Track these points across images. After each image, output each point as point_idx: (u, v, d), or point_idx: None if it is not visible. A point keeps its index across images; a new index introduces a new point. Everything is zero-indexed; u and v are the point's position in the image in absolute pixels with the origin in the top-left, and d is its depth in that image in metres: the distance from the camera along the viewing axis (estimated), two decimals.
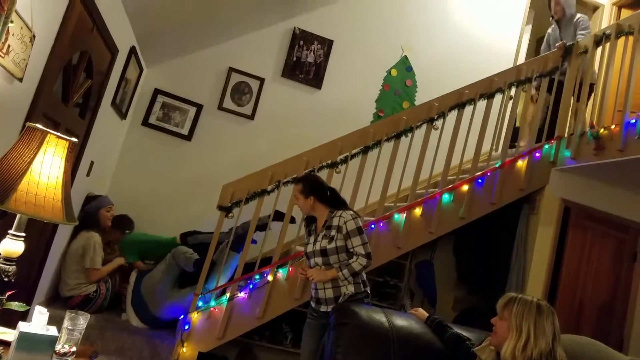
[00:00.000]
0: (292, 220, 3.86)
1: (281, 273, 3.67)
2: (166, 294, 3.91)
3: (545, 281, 3.94)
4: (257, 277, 3.66)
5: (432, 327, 2.60)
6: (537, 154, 4.06)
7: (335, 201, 3.14)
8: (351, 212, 3.04)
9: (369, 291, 3.07)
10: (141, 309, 3.90)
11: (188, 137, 4.98)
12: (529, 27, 5.96)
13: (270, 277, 3.61)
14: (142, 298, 3.91)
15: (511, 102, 4.22)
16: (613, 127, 3.62)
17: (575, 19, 4.55)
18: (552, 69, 4.20)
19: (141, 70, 4.70)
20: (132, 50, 4.18)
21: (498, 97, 4.15)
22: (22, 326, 1.63)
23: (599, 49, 4.07)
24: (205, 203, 4.46)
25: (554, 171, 4.04)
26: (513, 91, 4.21)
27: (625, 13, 5.50)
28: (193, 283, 3.87)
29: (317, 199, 3.11)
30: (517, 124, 4.84)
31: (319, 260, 3.00)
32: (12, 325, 1.87)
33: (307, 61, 5.28)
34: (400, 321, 2.60)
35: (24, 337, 1.60)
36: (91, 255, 3.82)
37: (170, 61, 5.00)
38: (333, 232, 2.99)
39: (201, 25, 4.63)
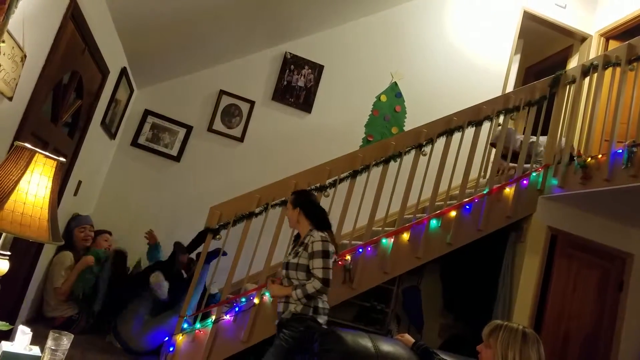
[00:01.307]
0: (224, 253, 3.87)
1: (267, 296, 3.64)
2: (142, 327, 3.85)
3: (531, 309, 3.94)
4: (244, 299, 3.63)
5: (418, 353, 2.59)
6: (525, 182, 4.10)
7: (320, 221, 3.14)
8: (322, 235, 3.02)
9: (322, 322, 2.97)
10: (123, 344, 3.82)
11: (177, 158, 4.98)
12: (518, 57, 6.07)
13: (256, 300, 3.59)
14: (121, 337, 3.83)
15: (499, 129, 4.27)
16: (600, 156, 3.67)
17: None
18: (540, 97, 4.27)
19: (132, 91, 4.72)
20: (123, 71, 4.20)
21: (486, 125, 4.20)
22: (5, 345, 1.61)
23: (587, 79, 4.15)
24: (192, 224, 4.43)
25: (541, 199, 4.07)
26: (501, 119, 4.26)
27: (613, 44, 5.62)
28: (168, 308, 3.86)
29: (303, 213, 3.15)
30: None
31: (283, 272, 3.06)
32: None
33: (297, 85, 5.33)
34: (386, 347, 2.59)
35: (6, 357, 1.58)
36: (52, 274, 3.78)
37: (161, 83, 5.02)
38: (301, 249, 3.01)
39: (193, 48, 4.67)
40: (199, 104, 5.11)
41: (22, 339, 1.67)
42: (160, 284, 3.91)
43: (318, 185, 3.86)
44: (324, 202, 3.79)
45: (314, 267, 2.93)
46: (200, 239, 4.00)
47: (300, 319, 2.91)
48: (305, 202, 3.21)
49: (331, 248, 3.01)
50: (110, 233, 4.29)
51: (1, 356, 1.58)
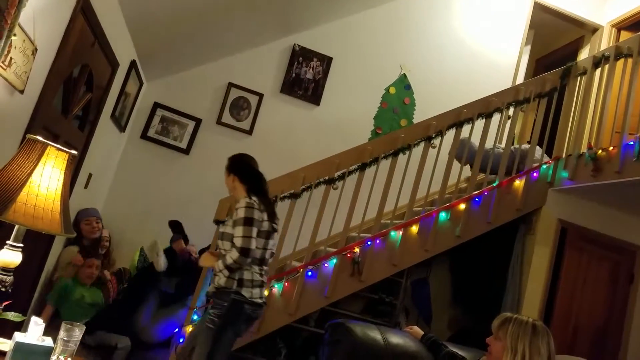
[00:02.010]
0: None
1: (277, 288, 3.66)
2: (151, 318, 3.88)
3: (541, 302, 3.94)
4: None
5: (427, 346, 2.60)
6: (535, 174, 4.08)
7: (253, 186, 2.97)
8: (249, 200, 2.83)
9: (249, 296, 2.78)
10: (132, 336, 3.82)
11: (186, 151, 5.00)
12: (528, 48, 6.02)
13: (265, 292, 3.60)
14: (131, 329, 3.84)
15: (509, 122, 4.25)
16: (611, 148, 3.64)
17: None
18: (551, 89, 4.23)
19: (141, 84, 4.73)
20: (133, 64, 4.21)
21: (496, 117, 4.18)
22: (18, 336, 1.63)
23: (598, 71, 4.11)
24: (201, 216, 4.45)
25: (551, 192, 4.05)
26: (511, 111, 4.24)
27: (625, 35, 5.56)
28: (177, 300, 3.89)
29: (237, 178, 3.01)
30: (515, 144, 4.86)
31: (218, 242, 2.95)
32: (6, 335, 1.86)
33: (306, 78, 5.32)
34: (395, 339, 2.60)
35: (19, 348, 1.59)
36: (57, 267, 3.79)
37: (170, 75, 5.03)
38: (229, 217, 2.91)
39: (202, 41, 4.67)
40: (208, 96, 5.12)
41: (35, 330, 1.69)
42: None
43: (327, 177, 3.86)
44: (333, 195, 3.81)
45: (235, 235, 2.76)
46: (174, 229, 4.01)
47: (223, 293, 2.76)
48: (239, 167, 3.05)
49: (257, 215, 2.80)
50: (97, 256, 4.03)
51: (14, 347, 1.60)
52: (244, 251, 2.70)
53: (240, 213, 2.77)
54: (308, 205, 3.85)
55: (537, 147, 4.21)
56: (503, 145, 4.22)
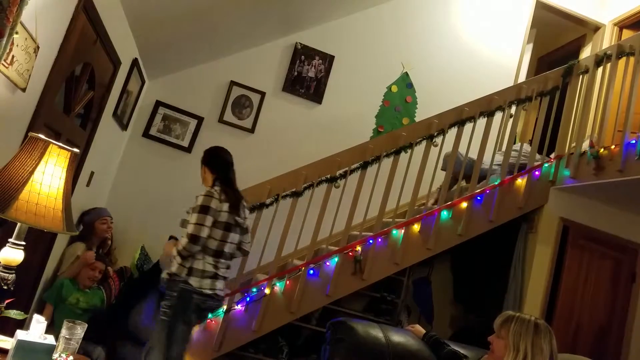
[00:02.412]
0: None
1: (278, 286, 3.67)
2: (152, 318, 3.86)
3: (543, 301, 3.93)
4: (254, 289, 3.66)
5: (429, 344, 2.60)
6: (537, 173, 4.07)
7: (222, 179, 3.04)
8: (209, 189, 2.89)
9: (198, 285, 2.80)
10: (132, 335, 3.79)
11: (188, 149, 4.99)
12: (530, 46, 6.01)
13: (267, 290, 3.61)
14: (130, 329, 3.81)
15: (511, 120, 4.24)
16: (613, 147, 3.63)
17: None
18: (553, 88, 4.23)
19: (143, 82, 4.73)
20: (135, 63, 4.21)
21: (498, 115, 4.17)
22: (20, 334, 1.63)
23: (600, 69, 4.11)
24: None
25: (553, 190, 4.05)
26: (513, 109, 4.23)
27: (627, 34, 5.55)
28: None
29: (208, 169, 3.09)
30: (517, 142, 4.85)
31: None
32: (8, 333, 1.87)
33: (308, 76, 5.32)
34: (397, 337, 2.60)
35: (21, 346, 1.60)
36: (62, 264, 3.77)
37: (172, 74, 5.03)
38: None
39: (203, 39, 4.67)
40: (210, 95, 5.12)
41: (37, 328, 1.69)
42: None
43: (329, 176, 3.86)
44: (335, 193, 3.80)
45: (189, 222, 2.80)
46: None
47: (173, 282, 2.80)
48: (210, 159, 3.13)
49: (214, 204, 2.84)
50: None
51: (16, 345, 1.60)
52: (193, 238, 2.74)
53: (198, 201, 2.85)
54: (310, 203, 3.85)
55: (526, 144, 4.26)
56: (504, 147, 4.22)
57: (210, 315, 3.57)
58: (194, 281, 2.80)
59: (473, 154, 4.09)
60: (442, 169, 4.16)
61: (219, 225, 2.88)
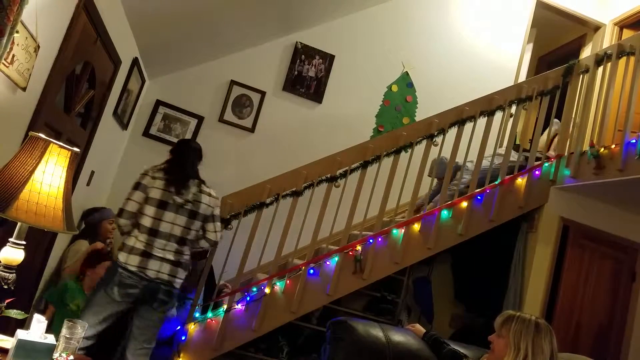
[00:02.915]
0: None
1: (278, 286, 3.67)
2: None
3: (543, 300, 3.93)
4: (255, 289, 3.66)
5: (429, 343, 2.60)
6: (537, 172, 4.07)
7: (172, 161, 3.13)
8: (148, 168, 3.04)
9: (124, 260, 2.86)
10: None
11: None
12: (530, 46, 6.01)
13: (267, 290, 3.61)
14: None
15: (511, 119, 4.24)
16: (613, 146, 3.63)
17: None
18: (553, 87, 4.22)
19: (143, 81, 4.73)
20: (135, 62, 4.21)
21: (498, 115, 4.17)
22: (20, 334, 1.63)
23: (600, 69, 4.11)
24: None
25: (553, 189, 4.05)
26: (513, 109, 4.23)
27: (627, 33, 5.55)
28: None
29: (171, 155, 3.18)
30: (517, 142, 4.86)
31: None
32: (8, 332, 1.87)
33: (308, 75, 5.32)
34: (397, 337, 2.60)
35: (22, 345, 1.60)
36: (65, 260, 3.74)
37: (173, 73, 5.03)
38: None
39: (204, 39, 4.67)
40: (210, 94, 5.12)
41: (37, 328, 1.69)
42: None
43: (329, 175, 3.86)
44: (335, 193, 3.80)
45: None
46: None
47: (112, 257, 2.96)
48: (175, 147, 3.24)
49: (145, 180, 2.96)
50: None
51: (17, 344, 1.60)
52: (119, 211, 2.92)
53: (136, 179, 3.00)
54: (310, 203, 3.85)
55: (513, 151, 4.21)
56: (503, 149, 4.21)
57: (210, 315, 3.57)
58: (121, 256, 2.88)
59: (472, 156, 4.08)
60: (428, 175, 4.16)
61: (151, 202, 2.94)
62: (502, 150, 4.21)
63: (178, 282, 2.99)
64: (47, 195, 1.70)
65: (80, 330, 1.74)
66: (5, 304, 1.68)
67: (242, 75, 5.17)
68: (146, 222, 2.92)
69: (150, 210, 2.93)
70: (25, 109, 2.49)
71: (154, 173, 2.99)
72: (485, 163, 4.14)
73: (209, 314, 3.60)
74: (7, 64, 2.09)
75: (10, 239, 1.71)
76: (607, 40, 5.72)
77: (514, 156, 4.21)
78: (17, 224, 1.73)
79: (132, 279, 2.86)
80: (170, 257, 2.95)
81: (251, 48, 5.21)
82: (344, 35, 5.42)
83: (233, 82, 5.13)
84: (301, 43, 5.30)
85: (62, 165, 1.76)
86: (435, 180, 4.30)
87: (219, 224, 3.22)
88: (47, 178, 1.71)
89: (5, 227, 2.19)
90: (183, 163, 3.12)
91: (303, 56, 5.31)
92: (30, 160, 1.70)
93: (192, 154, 3.22)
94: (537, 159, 4.15)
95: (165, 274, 2.92)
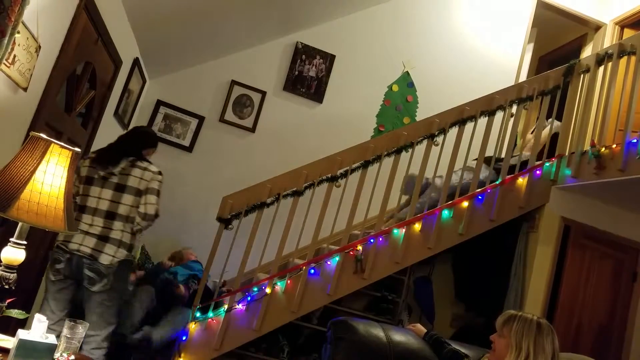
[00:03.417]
0: None
1: (279, 286, 3.67)
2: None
3: (544, 300, 3.93)
4: (255, 289, 3.66)
5: (430, 343, 2.60)
6: (538, 172, 4.07)
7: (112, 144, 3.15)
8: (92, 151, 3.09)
9: (57, 242, 2.89)
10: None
11: (189, 149, 5.00)
12: (531, 46, 6.01)
13: (268, 290, 3.61)
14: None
15: (512, 119, 4.24)
16: (614, 146, 3.63)
17: None
18: (554, 87, 4.22)
19: (144, 81, 4.73)
20: (136, 62, 4.21)
21: (499, 115, 4.17)
22: (22, 334, 1.63)
23: (601, 68, 4.10)
24: (205, 214, 4.47)
25: (554, 189, 4.04)
26: (514, 109, 4.23)
27: (628, 33, 5.54)
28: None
29: None
30: (518, 141, 4.85)
31: None
32: (9, 332, 1.87)
33: (308, 75, 5.32)
34: (398, 336, 2.60)
35: (23, 345, 1.60)
36: None
37: (173, 73, 5.03)
38: None
39: (204, 38, 4.67)
40: (211, 94, 5.12)
41: (39, 327, 1.69)
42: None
43: (329, 175, 3.86)
44: (336, 192, 3.80)
45: None
46: None
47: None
48: None
49: (79, 164, 2.99)
50: None
51: (18, 344, 1.60)
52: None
53: None
54: (311, 202, 3.85)
55: (484, 165, 4.14)
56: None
57: (211, 315, 3.57)
58: (60, 236, 2.93)
59: (474, 153, 4.08)
60: (402, 193, 4.12)
61: (80, 180, 2.97)
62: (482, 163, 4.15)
63: (105, 258, 2.84)
64: (48, 195, 1.70)
65: (82, 331, 1.74)
66: (6, 304, 1.68)
67: (242, 75, 5.18)
68: (78, 200, 2.95)
69: (80, 188, 2.96)
70: (26, 109, 2.50)
71: (82, 155, 3.05)
72: (455, 178, 4.09)
73: (210, 314, 3.60)
74: (8, 64, 2.09)
75: (11, 239, 1.71)
76: (607, 39, 5.72)
77: (484, 171, 4.12)
78: (18, 223, 1.73)
79: (57, 253, 2.84)
80: (95, 231, 2.86)
81: (252, 48, 5.21)
82: (344, 35, 5.42)
83: (234, 82, 5.14)
84: (302, 43, 5.30)
85: (63, 165, 1.76)
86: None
87: (151, 196, 3.02)
88: (48, 178, 1.71)
89: (6, 227, 2.19)
90: (115, 143, 3.13)
91: (304, 56, 5.31)
92: (31, 160, 1.70)
93: (133, 136, 3.26)
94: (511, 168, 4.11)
95: (89, 247, 2.82)
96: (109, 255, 2.85)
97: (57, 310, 2.85)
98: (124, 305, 3.16)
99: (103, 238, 2.87)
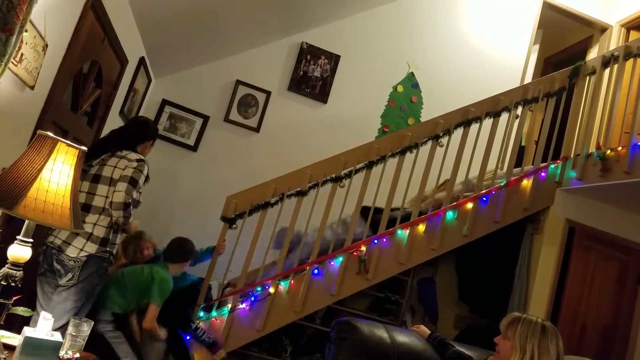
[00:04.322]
0: None
1: (283, 286, 3.67)
2: None
3: (548, 302, 3.92)
4: (259, 288, 3.67)
5: (434, 345, 2.60)
6: (543, 174, 4.06)
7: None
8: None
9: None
10: None
11: (194, 148, 5.01)
12: (537, 47, 5.99)
13: (271, 290, 3.61)
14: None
15: (517, 121, 4.23)
16: (620, 148, 3.62)
17: None
18: (559, 89, 4.21)
19: (150, 80, 4.74)
20: (142, 61, 4.22)
21: (504, 116, 4.16)
22: (27, 331, 1.64)
23: (607, 70, 4.09)
24: (209, 214, 4.47)
25: (559, 191, 4.03)
26: (519, 110, 4.22)
27: (634, 35, 5.53)
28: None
29: None
30: (523, 143, 4.84)
31: None
32: (15, 330, 1.88)
33: (313, 75, 5.32)
34: (401, 337, 2.60)
35: (29, 342, 1.61)
36: None
37: (179, 72, 5.04)
38: None
39: (210, 38, 4.68)
40: (216, 94, 5.13)
41: (44, 325, 1.70)
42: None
43: (334, 175, 3.86)
44: (340, 193, 3.80)
45: None
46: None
47: None
48: None
49: None
50: None
51: (24, 342, 1.61)
52: None
53: None
54: (315, 202, 3.85)
55: (361, 219, 3.97)
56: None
57: (215, 314, 3.58)
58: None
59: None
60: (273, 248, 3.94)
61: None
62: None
63: (72, 250, 2.64)
64: (55, 193, 1.71)
65: (86, 329, 1.75)
66: (12, 302, 1.69)
67: (247, 75, 5.18)
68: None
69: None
70: (33, 107, 2.50)
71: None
72: (329, 233, 3.96)
73: (214, 313, 3.61)
74: (15, 63, 2.10)
75: (17, 237, 1.72)
76: (613, 41, 5.70)
77: (361, 225, 3.96)
78: (24, 221, 1.74)
79: (40, 247, 2.70)
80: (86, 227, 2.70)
81: (257, 48, 5.21)
82: (349, 35, 5.42)
83: (239, 82, 5.14)
84: (307, 43, 5.31)
85: (69, 163, 1.77)
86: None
87: (121, 184, 2.75)
88: (55, 176, 1.71)
89: (12, 225, 2.20)
90: (108, 136, 3.02)
91: (308, 56, 5.31)
92: (38, 158, 1.70)
93: (123, 128, 3.12)
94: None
95: (60, 239, 2.67)
96: (76, 248, 2.66)
97: (45, 304, 2.69)
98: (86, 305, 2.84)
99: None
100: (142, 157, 2.89)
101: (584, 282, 4.06)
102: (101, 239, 2.71)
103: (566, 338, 3.53)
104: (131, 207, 2.79)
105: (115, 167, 2.80)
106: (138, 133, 3.04)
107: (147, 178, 2.94)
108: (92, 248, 2.68)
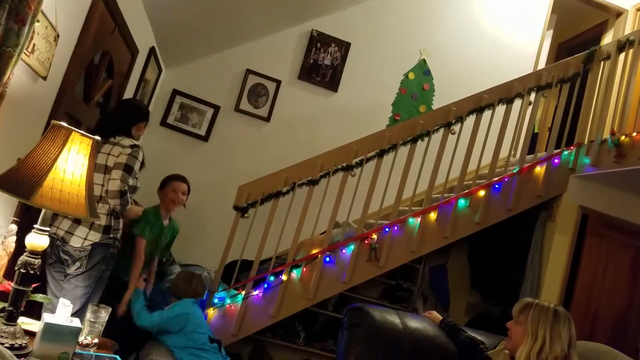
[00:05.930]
0: None
1: (295, 273, 3.70)
2: None
3: (561, 289, 3.92)
4: (272, 277, 3.70)
5: (446, 330, 2.60)
6: (556, 161, 4.03)
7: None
8: None
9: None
10: None
11: (205, 138, 5.02)
12: (550, 32, 5.92)
13: (284, 277, 3.64)
14: None
15: (530, 107, 4.20)
16: (635, 134, 3.59)
17: None
18: (573, 74, 4.17)
19: (160, 70, 4.75)
20: (152, 51, 4.23)
21: (517, 103, 4.13)
22: (47, 317, 1.67)
23: (622, 55, 4.04)
24: (221, 203, 4.49)
25: (572, 178, 4.01)
26: (533, 97, 4.18)
27: None
28: None
29: None
30: (536, 130, 4.80)
31: None
32: (34, 316, 1.91)
33: (324, 64, 5.30)
34: (414, 323, 2.60)
35: (49, 328, 1.63)
36: None
37: (189, 62, 5.04)
38: None
39: (220, 28, 4.67)
40: (226, 83, 5.13)
41: (63, 312, 1.73)
42: None
43: (345, 164, 3.86)
44: (351, 182, 3.80)
45: None
46: None
47: None
48: None
49: None
50: None
51: (44, 328, 1.64)
52: None
53: None
54: (326, 192, 3.86)
55: None
56: None
57: (229, 301, 3.61)
58: None
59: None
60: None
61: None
62: None
63: (76, 240, 2.68)
64: (70, 182, 1.72)
65: (104, 315, 1.78)
66: (31, 289, 1.71)
67: (257, 64, 5.17)
68: None
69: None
70: (46, 97, 2.52)
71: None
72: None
73: (228, 300, 3.64)
74: (28, 53, 2.11)
75: (35, 225, 1.74)
76: (629, 26, 5.62)
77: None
78: (41, 210, 1.76)
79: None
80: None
81: (267, 36, 5.20)
82: (360, 22, 5.39)
83: (249, 71, 5.14)
84: (317, 31, 5.28)
85: (83, 153, 1.78)
86: None
87: (116, 171, 2.74)
88: (70, 166, 1.73)
89: (30, 214, 2.23)
90: (100, 120, 3.04)
91: (319, 44, 5.29)
92: (53, 148, 1.72)
93: (114, 113, 3.05)
94: None
95: (63, 230, 2.69)
96: (80, 238, 2.69)
97: (57, 292, 2.71)
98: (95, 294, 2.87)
99: (76, 220, 2.71)
100: (137, 143, 2.86)
101: (597, 269, 4.04)
102: (104, 227, 2.74)
103: (579, 324, 3.52)
104: (128, 194, 2.80)
105: (109, 154, 2.78)
106: (131, 116, 2.98)
107: (142, 164, 2.90)
108: (95, 237, 2.71)
